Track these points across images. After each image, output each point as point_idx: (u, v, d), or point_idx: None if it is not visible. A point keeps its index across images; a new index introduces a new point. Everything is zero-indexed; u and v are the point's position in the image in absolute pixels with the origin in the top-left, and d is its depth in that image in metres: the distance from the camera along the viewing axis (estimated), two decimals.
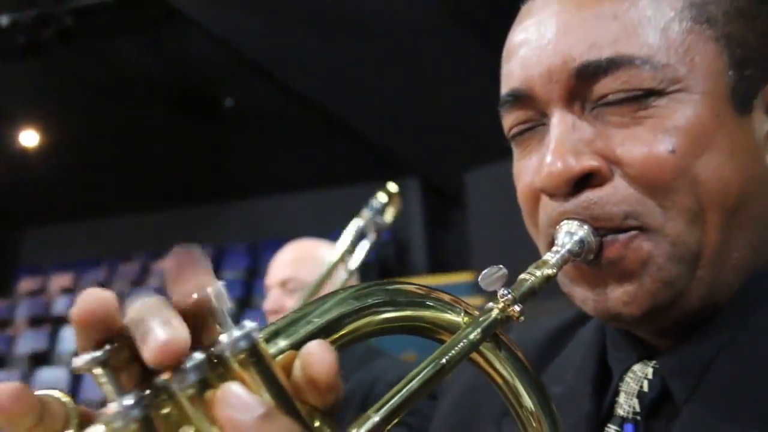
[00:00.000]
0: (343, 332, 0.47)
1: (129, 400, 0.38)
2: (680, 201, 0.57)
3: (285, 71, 7.40)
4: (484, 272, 0.57)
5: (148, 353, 0.37)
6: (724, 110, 0.58)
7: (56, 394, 0.42)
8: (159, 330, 0.37)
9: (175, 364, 0.38)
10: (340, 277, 1.89)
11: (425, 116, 7.47)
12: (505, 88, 0.65)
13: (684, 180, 0.56)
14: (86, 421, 0.42)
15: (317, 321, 0.45)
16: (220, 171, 9.27)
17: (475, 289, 1.56)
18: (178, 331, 0.37)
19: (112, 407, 0.38)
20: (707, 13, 0.59)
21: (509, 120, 0.66)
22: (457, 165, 7.90)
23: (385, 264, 9.06)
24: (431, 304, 0.51)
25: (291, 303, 1.87)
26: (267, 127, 8.54)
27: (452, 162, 7.95)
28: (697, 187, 0.56)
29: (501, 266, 0.57)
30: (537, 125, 0.63)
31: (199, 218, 10.06)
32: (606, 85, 0.57)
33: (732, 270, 0.60)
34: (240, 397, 0.38)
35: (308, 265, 1.92)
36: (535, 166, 0.62)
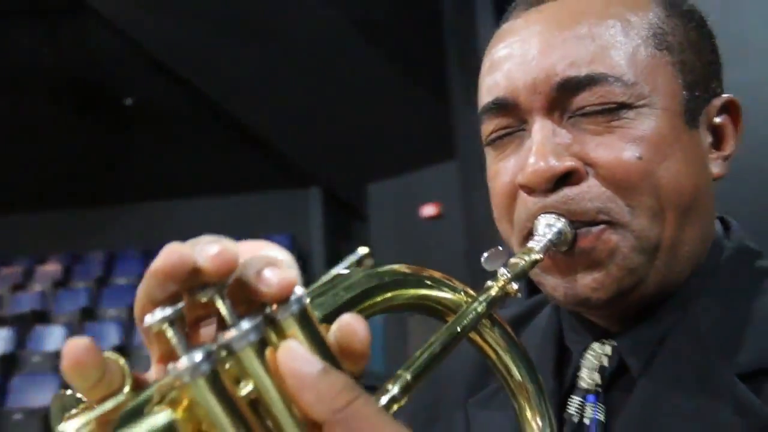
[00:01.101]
0: (362, 306, 0.51)
1: (198, 356, 0.40)
2: (644, 201, 0.66)
3: (190, 73, 7.29)
4: (486, 254, 0.65)
5: (266, 287, 0.42)
6: (679, 124, 0.68)
7: (113, 355, 0.43)
8: (270, 272, 0.43)
9: (286, 296, 0.42)
10: None
11: (330, 127, 7.52)
12: (489, 97, 0.71)
13: (648, 183, 0.65)
14: (139, 382, 0.44)
15: (343, 295, 0.50)
16: (116, 172, 8.95)
17: None
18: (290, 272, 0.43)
19: (182, 362, 0.40)
20: (666, 42, 0.69)
21: (490, 126, 0.72)
22: (359, 176, 8.01)
23: None
24: (437, 285, 0.57)
25: None
26: (168, 130, 8.36)
27: (355, 173, 8.04)
28: (659, 189, 0.66)
29: (501, 247, 0.66)
30: (516, 131, 0.71)
31: (90, 221, 9.66)
32: (583, 98, 0.66)
33: (683, 261, 0.69)
34: (302, 352, 0.42)
35: None
36: (513, 166, 0.69)
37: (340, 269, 1.02)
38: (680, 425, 0.63)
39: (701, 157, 0.70)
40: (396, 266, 0.55)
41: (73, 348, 0.40)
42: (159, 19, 6.40)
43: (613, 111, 0.65)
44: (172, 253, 0.42)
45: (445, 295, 0.57)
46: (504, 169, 0.71)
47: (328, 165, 8.48)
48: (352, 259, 0.95)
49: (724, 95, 0.73)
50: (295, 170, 9.02)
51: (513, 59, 0.69)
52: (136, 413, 0.41)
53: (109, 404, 0.41)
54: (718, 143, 0.72)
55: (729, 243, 0.73)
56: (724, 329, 0.66)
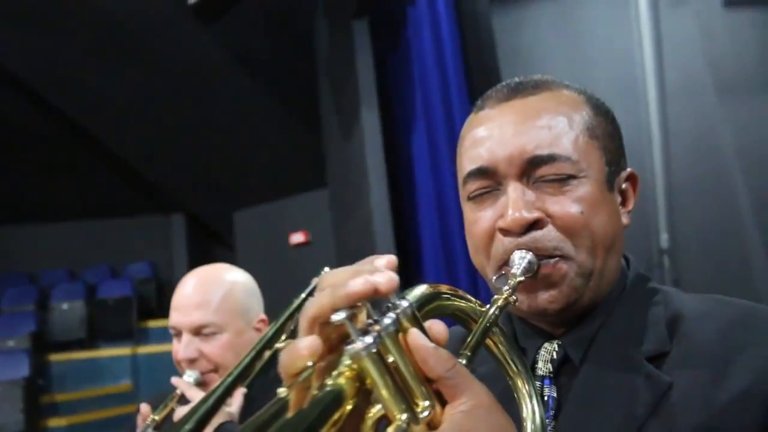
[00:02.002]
0: (424, 312, 0.70)
1: (369, 339, 0.60)
2: (584, 242, 0.91)
3: (55, 95, 6.98)
4: (495, 276, 0.92)
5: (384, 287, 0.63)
6: (604, 190, 0.94)
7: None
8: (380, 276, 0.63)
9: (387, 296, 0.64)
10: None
11: (198, 154, 7.42)
12: (473, 165, 0.95)
13: (587, 230, 0.91)
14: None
15: (412, 300, 0.68)
16: None
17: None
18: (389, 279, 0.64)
19: (357, 344, 0.60)
20: (595, 134, 0.95)
21: (473, 186, 0.96)
22: (226, 204, 7.94)
23: (144, 300, 8.72)
24: (460, 297, 0.79)
25: (209, 349, 1.68)
26: (25, 151, 7.93)
27: (221, 201, 7.97)
28: (593, 234, 0.91)
29: (503, 272, 0.92)
30: (492, 190, 0.94)
31: None
32: (544, 170, 0.91)
33: (606, 283, 0.95)
34: (422, 336, 0.64)
35: (225, 304, 1.71)
36: (491, 215, 0.94)
37: (306, 293, 1.32)
38: (610, 394, 0.87)
39: (617, 212, 0.96)
40: (429, 285, 0.76)
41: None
42: (25, 38, 6.11)
43: (563, 180, 0.91)
44: (368, 284, 0.63)
45: (464, 304, 0.79)
46: (483, 217, 0.94)
47: (193, 192, 8.32)
48: (315, 282, 1.18)
49: (628, 169, 1.01)
50: (159, 196, 8.78)
51: (493, 139, 0.94)
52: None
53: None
54: (624, 202, 0.99)
55: (630, 272, 1.00)
56: (633, 328, 0.93)
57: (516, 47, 4.58)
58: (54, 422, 6.61)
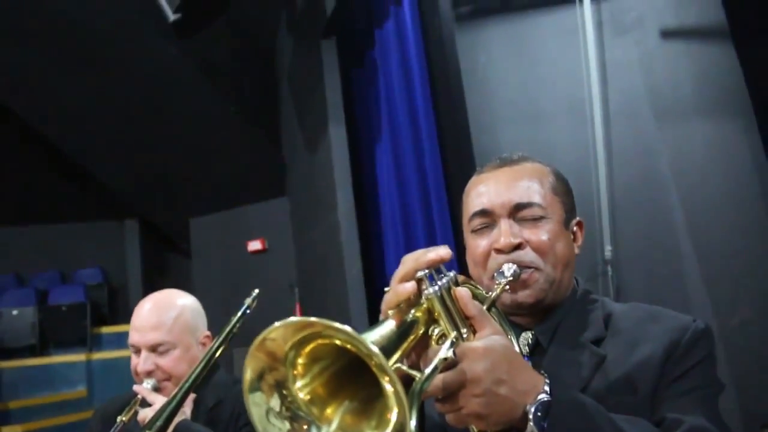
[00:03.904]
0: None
1: (436, 287, 1.03)
2: (550, 260, 1.32)
3: (7, 96, 6.89)
4: (496, 273, 1.30)
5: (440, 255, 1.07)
6: (563, 228, 1.36)
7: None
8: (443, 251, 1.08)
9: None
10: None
11: (154, 160, 7.40)
12: (477, 208, 1.36)
13: (551, 252, 1.32)
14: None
15: (453, 274, 1.12)
16: None
17: None
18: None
19: (430, 289, 1.03)
20: (557, 191, 1.37)
21: (476, 222, 1.36)
22: (182, 210, 7.98)
23: (96, 306, 8.68)
24: (478, 287, 1.26)
25: (164, 362, 2.03)
26: None
27: (177, 207, 7.99)
28: (556, 255, 1.32)
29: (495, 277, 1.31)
30: (489, 226, 1.35)
31: None
32: (525, 213, 1.33)
33: (563, 290, 1.35)
34: (464, 290, 1.06)
35: (177, 325, 2.06)
36: (487, 241, 1.34)
37: (244, 310, 1.92)
38: (567, 365, 1.25)
39: (571, 244, 1.38)
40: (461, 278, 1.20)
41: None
42: None
43: (537, 219, 1.33)
44: (437, 255, 1.06)
45: (478, 290, 1.25)
46: (482, 244, 1.35)
47: (148, 198, 8.30)
48: (248, 301, 1.94)
49: (578, 218, 1.42)
50: (112, 201, 8.71)
51: (490, 193, 1.36)
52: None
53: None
54: (575, 239, 1.41)
55: (579, 288, 1.41)
56: (582, 323, 1.33)
57: (472, 67, 4.86)
58: (8, 430, 6.55)
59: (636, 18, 4.75)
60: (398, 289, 1.04)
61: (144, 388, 1.95)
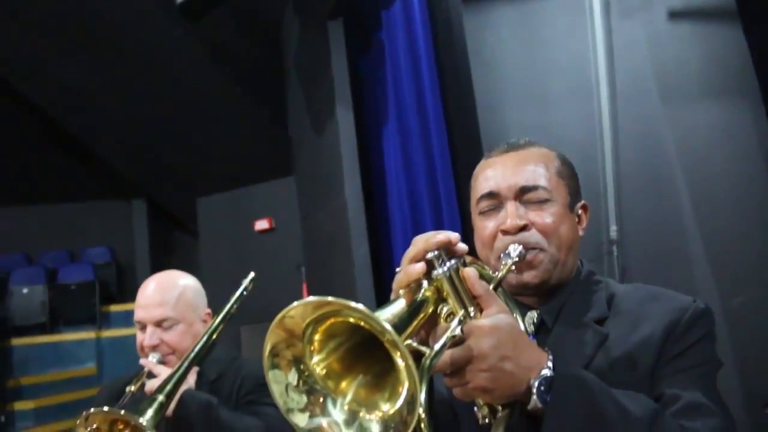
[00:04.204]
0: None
1: (445, 267, 1.08)
2: (554, 241, 1.35)
3: (17, 79, 6.92)
4: (502, 254, 1.32)
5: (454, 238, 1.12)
6: (567, 211, 1.38)
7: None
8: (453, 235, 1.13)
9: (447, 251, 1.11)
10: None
11: (161, 140, 7.44)
12: (485, 191, 1.39)
13: (556, 234, 1.35)
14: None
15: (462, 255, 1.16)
16: None
17: None
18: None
19: (440, 270, 1.08)
20: (562, 175, 1.40)
21: (484, 204, 1.39)
22: (189, 190, 8.02)
23: (104, 285, 8.76)
24: (485, 267, 1.28)
25: (169, 337, 2.15)
26: None
27: (185, 187, 8.04)
28: (560, 237, 1.35)
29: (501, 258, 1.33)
30: (496, 208, 1.38)
31: None
32: (530, 195, 1.36)
33: (567, 271, 1.38)
34: (472, 270, 1.12)
35: (180, 302, 2.19)
36: (494, 222, 1.37)
37: (241, 291, 2.21)
38: (571, 343, 1.29)
39: (575, 227, 1.41)
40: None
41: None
42: None
43: (542, 202, 1.36)
44: (446, 237, 1.11)
45: (486, 270, 1.27)
46: (489, 225, 1.39)
47: (156, 178, 8.36)
48: (246, 283, 2.19)
49: (582, 201, 1.45)
50: (120, 181, 8.77)
51: (497, 176, 1.39)
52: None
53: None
54: (579, 222, 1.43)
55: (583, 269, 1.44)
56: (585, 303, 1.36)
57: (479, 48, 4.86)
58: (21, 405, 6.67)
59: None
60: (409, 269, 1.09)
61: (150, 362, 2.08)
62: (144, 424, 1.77)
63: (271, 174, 7.17)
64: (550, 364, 1.07)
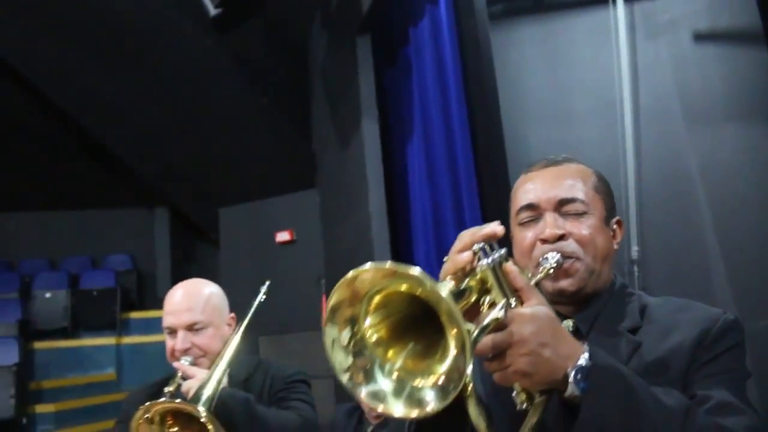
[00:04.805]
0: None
1: (489, 259, 1.12)
2: (590, 252, 1.40)
3: (46, 86, 7.06)
4: (541, 259, 1.38)
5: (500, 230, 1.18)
6: (603, 224, 1.44)
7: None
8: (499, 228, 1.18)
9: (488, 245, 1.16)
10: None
11: (185, 149, 7.50)
12: (525, 202, 1.45)
13: (592, 244, 1.40)
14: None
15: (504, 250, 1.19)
16: None
17: None
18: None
19: (484, 261, 1.12)
20: (598, 190, 1.46)
21: (524, 215, 1.45)
22: (211, 200, 8.09)
23: (125, 292, 8.85)
24: (523, 270, 1.26)
25: (200, 340, 2.25)
26: (8, 138, 7.98)
27: (206, 197, 8.11)
28: (596, 248, 1.40)
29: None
30: (534, 219, 1.44)
31: None
32: (568, 208, 1.42)
33: (602, 281, 1.43)
34: (513, 265, 1.15)
35: (208, 307, 2.29)
36: (533, 233, 1.43)
37: (260, 298, 2.46)
38: (607, 352, 1.27)
39: (610, 239, 1.46)
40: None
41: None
42: (19, 28, 6.21)
43: (580, 214, 1.42)
44: (492, 230, 1.16)
45: (525, 274, 1.26)
46: (528, 235, 1.44)
47: (179, 186, 8.42)
48: (263, 290, 2.45)
49: (617, 217, 1.50)
50: (143, 189, 8.85)
51: (536, 189, 1.46)
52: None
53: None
54: (614, 236, 1.48)
55: (617, 281, 1.48)
56: (619, 313, 1.41)
57: (503, 65, 4.90)
58: (42, 408, 6.76)
59: (669, 20, 4.78)
60: (456, 258, 1.15)
61: (183, 364, 2.16)
62: (202, 411, 1.90)
63: (293, 186, 7.22)
64: (587, 354, 1.11)
